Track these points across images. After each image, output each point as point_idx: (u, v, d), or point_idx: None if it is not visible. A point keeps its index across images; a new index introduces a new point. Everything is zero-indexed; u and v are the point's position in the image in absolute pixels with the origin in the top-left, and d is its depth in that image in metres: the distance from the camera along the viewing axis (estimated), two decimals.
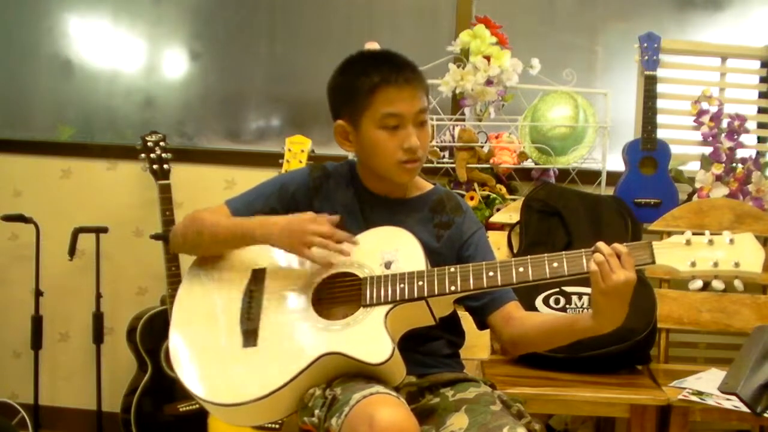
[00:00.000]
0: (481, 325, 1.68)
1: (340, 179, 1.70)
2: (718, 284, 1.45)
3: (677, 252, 1.40)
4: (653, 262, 1.41)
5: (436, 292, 1.49)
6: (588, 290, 2.28)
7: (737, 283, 1.44)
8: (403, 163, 1.59)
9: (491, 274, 1.48)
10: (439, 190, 1.75)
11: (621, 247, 1.39)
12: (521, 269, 1.46)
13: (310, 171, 1.71)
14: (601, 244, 1.41)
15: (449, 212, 1.69)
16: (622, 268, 1.37)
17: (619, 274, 1.37)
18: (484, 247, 1.69)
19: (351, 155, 2.15)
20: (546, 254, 1.46)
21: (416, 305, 1.50)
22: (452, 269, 1.50)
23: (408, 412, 1.34)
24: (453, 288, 1.49)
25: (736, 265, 1.37)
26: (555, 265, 1.45)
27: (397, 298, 1.49)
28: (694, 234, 1.41)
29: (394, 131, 1.57)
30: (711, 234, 1.40)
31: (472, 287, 1.48)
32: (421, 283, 1.50)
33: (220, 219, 1.64)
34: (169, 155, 2.76)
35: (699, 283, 1.47)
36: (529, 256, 1.47)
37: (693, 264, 1.39)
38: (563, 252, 1.45)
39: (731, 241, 1.39)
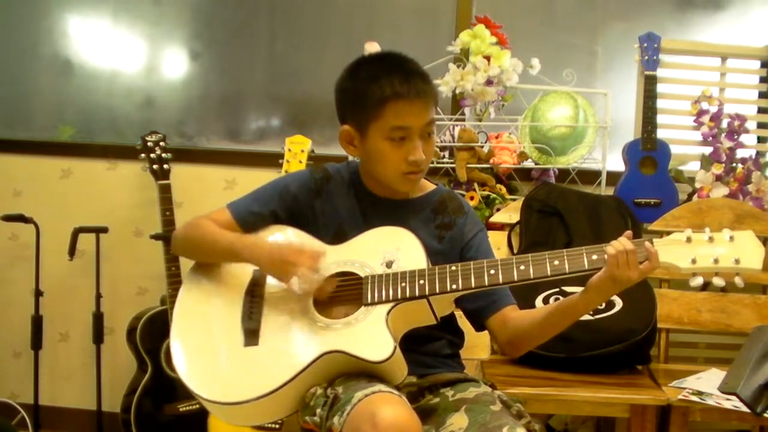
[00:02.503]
0: (479, 327, 1.68)
1: (341, 181, 1.70)
2: (718, 281, 1.45)
3: (678, 249, 1.41)
4: None
5: (437, 291, 1.49)
6: None
7: (738, 280, 1.45)
8: (406, 174, 1.59)
9: (492, 272, 1.48)
10: (441, 190, 1.75)
11: (629, 244, 1.41)
12: (522, 267, 1.47)
13: (312, 173, 1.71)
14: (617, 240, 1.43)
15: (451, 213, 1.69)
16: (636, 266, 1.40)
17: (633, 270, 1.40)
18: (485, 249, 1.69)
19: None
20: (547, 252, 1.46)
21: (417, 304, 1.50)
22: (453, 268, 1.50)
23: (410, 411, 1.34)
24: (454, 286, 1.49)
25: (737, 261, 1.38)
26: (556, 263, 1.45)
27: (399, 297, 1.49)
28: (694, 231, 1.42)
29: (400, 143, 1.56)
30: (711, 231, 1.41)
31: (473, 285, 1.49)
32: (422, 281, 1.50)
33: (217, 233, 1.63)
34: (169, 155, 2.75)
35: (700, 281, 1.46)
36: (530, 254, 1.47)
37: (693, 261, 1.40)
38: (564, 250, 1.46)
39: (731, 238, 1.40)
